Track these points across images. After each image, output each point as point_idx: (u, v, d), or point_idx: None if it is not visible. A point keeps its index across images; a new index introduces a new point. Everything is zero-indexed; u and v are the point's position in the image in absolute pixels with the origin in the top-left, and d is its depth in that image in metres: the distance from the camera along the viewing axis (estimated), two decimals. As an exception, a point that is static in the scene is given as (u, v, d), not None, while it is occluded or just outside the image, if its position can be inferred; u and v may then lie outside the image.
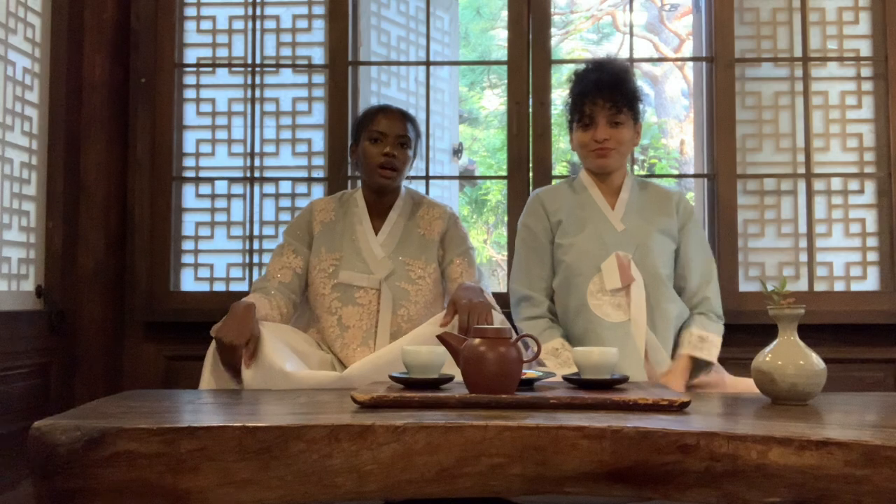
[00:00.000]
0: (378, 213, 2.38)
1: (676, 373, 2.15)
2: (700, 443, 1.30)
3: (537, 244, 2.34)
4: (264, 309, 2.17)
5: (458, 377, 1.66)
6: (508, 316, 2.29)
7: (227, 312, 2.06)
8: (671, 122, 9.77)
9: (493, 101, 10.26)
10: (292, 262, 2.33)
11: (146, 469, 1.32)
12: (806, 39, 2.87)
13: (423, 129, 2.87)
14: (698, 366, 2.21)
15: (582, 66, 2.38)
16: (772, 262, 2.84)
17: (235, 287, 2.87)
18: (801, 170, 2.85)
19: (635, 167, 2.94)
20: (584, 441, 1.33)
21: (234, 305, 2.08)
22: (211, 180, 2.92)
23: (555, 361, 2.17)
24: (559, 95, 2.77)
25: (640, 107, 2.33)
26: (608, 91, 2.25)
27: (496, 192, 9.24)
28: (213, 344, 2.02)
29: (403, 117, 2.35)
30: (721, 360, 2.27)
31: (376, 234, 2.34)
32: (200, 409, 1.64)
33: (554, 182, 2.83)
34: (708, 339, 2.20)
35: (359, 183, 2.49)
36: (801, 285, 2.80)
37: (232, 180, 2.92)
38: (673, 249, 2.32)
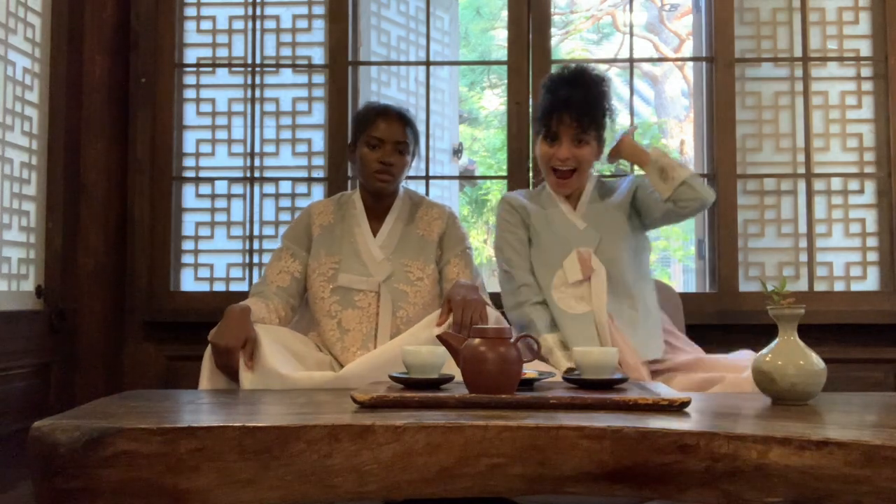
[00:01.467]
0: (376, 215, 2.37)
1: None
2: (700, 443, 1.30)
3: (517, 230, 2.37)
4: (262, 313, 2.17)
5: (458, 377, 1.66)
6: (506, 315, 2.29)
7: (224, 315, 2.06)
8: (671, 122, 9.78)
9: (493, 101, 10.27)
10: (290, 266, 2.33)
11: (146, 469, 1.32)
12: (806, 39, 2.87)
13: (422, 129, 2.87)
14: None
15: (555, 73, 2.39)
16: (772, 262, 2.84)
17: (235, 287, 2.87)
18: (801, 170, 2.85)
19: (635, 167, 2.93)
20: (584, 441, 1.33)
21: (229, 309, 2.07)
22: (211, 180, 2.92)
23: (562, 351, 2.19)
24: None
25: (607, 120, 2.34)
26: (576, 110, 2.25)
27: (496, 192, 9.24)
28: (208, 348, 2.02)
29: (402, 122, 2.32)
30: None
31: (375, 236, 2.34)
32: (200, 409, 1.64)
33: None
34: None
35: (357, 183, 2.49)
36: (801, 285, 2.80)
37: (232, 180, 2.92)
38: (638, 226, 2.37)
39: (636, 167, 2.51)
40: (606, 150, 2.38)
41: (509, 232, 2.38)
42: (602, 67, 2.38)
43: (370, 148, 2.30)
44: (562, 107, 2.26)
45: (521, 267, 2.33)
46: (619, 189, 2.41)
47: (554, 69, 2.38)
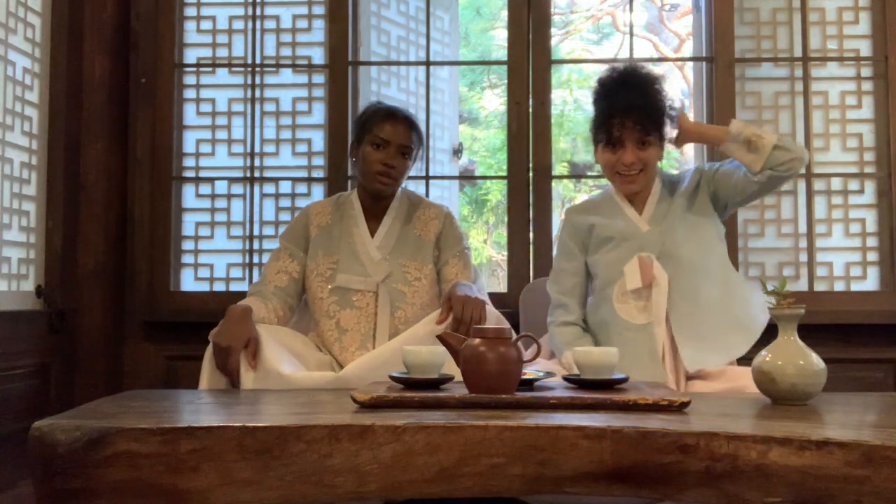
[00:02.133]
0: (374, 215, 2.37)
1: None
2: (700, 443, 1.30)
3: (572, 256, 2.33)
4: (261, 312, 2.17)
5: (458, 377, 1.66)
6: (507, 315, 2.29)
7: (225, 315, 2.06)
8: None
9: (493, 101, 10.26)
10: (289, 266, 2.33)
11: (146, 469, 1.32)
12: (806, 39, 2.87)
13: (422, 129, 2.87)
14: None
15: (607, 75, 2.28)
16: (772, 262, 2.84)
17: (235, 287, 2.87)
18: (801, 170, 2.84)
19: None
20: (584, 441, 1.33)
21: (230, 309, 2.08)
22: (211, 180, 2.92)
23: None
24: (559, 95, 2.78)
25: (668, 120, 2.26)
26: (637, 113, 2.17)
27: (496, 192, 9.24)
28: (209, 348, 2.02)
29: (409, 126, 2.32)
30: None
31: (372, 236, 2.34)
32: (200, 409, 1.64)
33: (553, 183, 2.85)
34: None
35: (356, 184, 2.49)
36: (801, 285, 2.80)
37: (232, 180, 2.92)
38: (713, 224, 2.26)
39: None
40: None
41: (565, 258, 2.34)
42: (602, 68, 2.33)
43: (374, 147, 2.29)
44: (623, 111, 2.18)
45: (562, 291, 2.31)
46: (683, 182, 2.31)
47: (606, 71, 2.27)
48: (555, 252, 2.41)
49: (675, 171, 2.55)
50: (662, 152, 2.29)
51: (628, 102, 2.18)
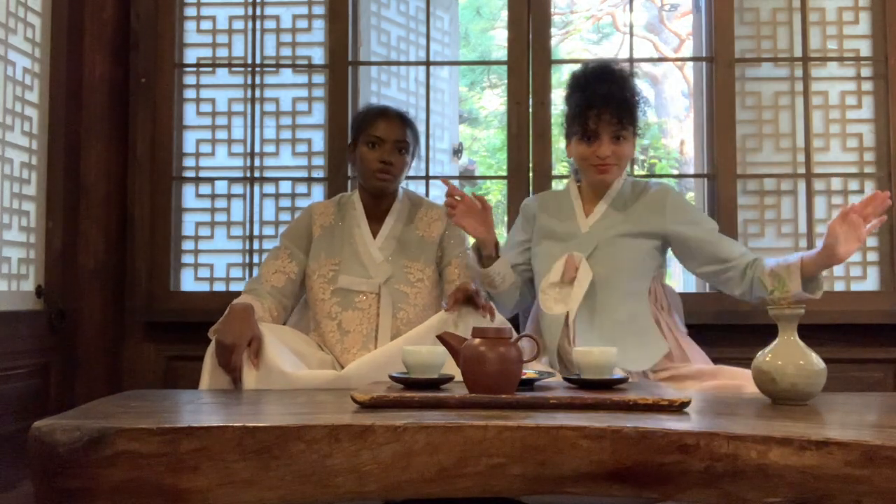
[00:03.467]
0: (376, 216, 2.37)
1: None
2: (700, 443, 1.30)
3: (519, 235, 2.43)
4: (258, 311, 2.17)
5: (458, 377, 1.66)
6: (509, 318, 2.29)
7: (227, 312, 2.06)
8: (671, 122, 9.77)
9: (493, 101, 10.27)
10: (287, 266, 2.33)
11: (146, 469, 1.32)
12: (806, 39, 2.87)
13: (422, 129, 2.87)
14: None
15: (581, 70, 2.30)
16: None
17: (235, 287, 2.87)
18: (801, 170, 2.85)
19: (635, 167, 2.93)
20: (584, 441, 1.33)
21: (232, 306, 2.08)
22: (211, 180, 2.92)
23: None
24: (559, 95, 2.77)
25: (641, 115, 2.30)
26: (614, 106, 2.18)
27: (496, 192, 9.24)
28: (211, 346, 2.02)
29: (402, 122, 2.34)
30: (721, 360, 2.27)
31: (374, 237, 2.34)
32: (200, 409, 1.64)
33: (553, 183, 2.87)
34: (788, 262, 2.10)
35: (357, 185, 2.49)
36: (801, 285, 2.80)
37: (232, 180, 2.92)
38: (652, 247, 2.27)
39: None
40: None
41: (511, 238, 2.45)
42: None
43: (370, 147, 2.30)
44: (600, 103, 2.19)
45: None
46: (645, 194, 2.32)
47: (580, 67, 2.30)
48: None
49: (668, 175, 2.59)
50: (634, 149, 2.34)
51: (605, 95, 2.18)
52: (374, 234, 2.34)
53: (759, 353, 1.68)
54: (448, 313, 2.05)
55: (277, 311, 2.27)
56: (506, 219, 2.93)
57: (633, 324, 2.22)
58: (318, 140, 2.93)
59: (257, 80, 2.93)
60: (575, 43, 10.34)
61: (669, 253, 2.38)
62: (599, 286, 2.21)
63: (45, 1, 2.58)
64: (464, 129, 9.70)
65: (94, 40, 2.79)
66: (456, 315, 2.06)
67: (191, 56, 2.96)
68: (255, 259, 2.89)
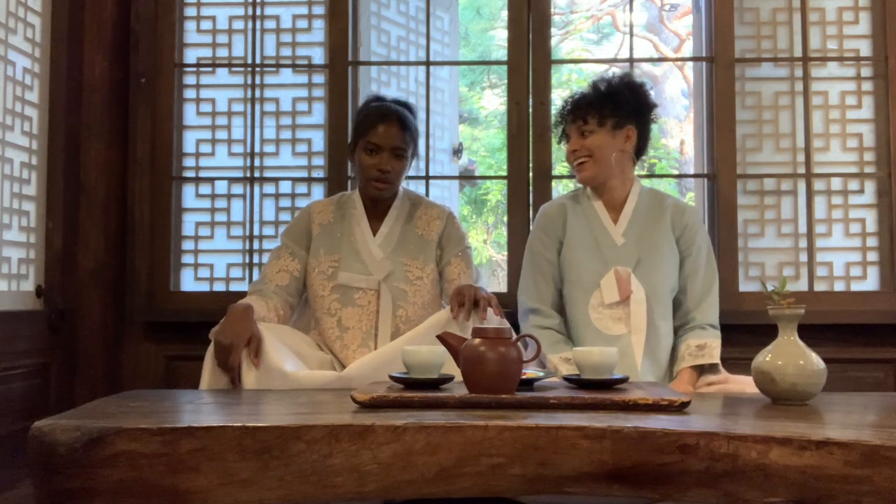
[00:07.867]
0: (376, 214, 2.38)
1: (681, 385, 2.17)
2: (700, 443, 1.30)
3: (542, 262, 2.37)
4: (262, 311, 2.17)
5: (458, 377, 1.66)
6: (507, 315, 2.29)
7: (226, 313, 2.06)
8: (671, 122, 9.77)
9: (493, 101, 10.26)
10: (289, 265, 2.33)
11: (146, 469, 1.32)
12: (806, 39, 2.87)
13: (422, 129, 2.87)
14: (702, 370, 2.24)
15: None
16: (772, 262, 2.84)
17: (235, 287, 2.87)
18: (801, 170, 2.85)
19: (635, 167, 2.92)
20: (584, 441, 1.33)
21: (231, 307, 2.08)
22: (211, 180, 2.92)
23: (566, 367, 2.19)
24: (559, 95, 2.78)
25: (625, 110, 2.32)
26: (576, 106, 2.34)
27: (496, 192, 9.24)
28: (211, 346, 2.02)
29: (401, 126, 2.30)
30: (721, 360, 2.27)
31: (374, 235, 2.34)
32: (200, 409, 1.64)
33: (553, 183, 2.87)
34: (706, 346, 2.23)
35: (357, 183, 2.49)
36: (801, 285, 2.80)
37: (232, 180, 2.92)
38: (677, 262, 2.34)
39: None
40: None
41: (537, 268, 2.38)
42: (602, 67, 2.37)
43: (368, 154, 2.30)
44: (567, 108, 2.38)
45: (529, 294, 2.35)
46: (671, 214, 2.37)
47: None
48: (524, 258, 2.45)
49: (674, 176, 2.64)
50: (626, 143, 2.35)
51: (571, 99, 2.39)
52: (374, 232, 2.35)
53: (759, 353, 1.68)
54: (454, 319, 2.05)
55: (283, 310, 2.27)
56: (506, 219, 2.93)
57: (668, 339, 2.29)
58: (318, 140, 2.93)
59: (257, 80, 2.93)
60: (575, 43, 10.33)
61: None
62: (648, 301, 2.25)
63: (45, 1, 2.58)
64: (464, 129, 9.69)
65: (94, 40, 2.79)
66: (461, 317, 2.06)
67: (191, 56, 2.96)
68: (256, 259, 2.89)
